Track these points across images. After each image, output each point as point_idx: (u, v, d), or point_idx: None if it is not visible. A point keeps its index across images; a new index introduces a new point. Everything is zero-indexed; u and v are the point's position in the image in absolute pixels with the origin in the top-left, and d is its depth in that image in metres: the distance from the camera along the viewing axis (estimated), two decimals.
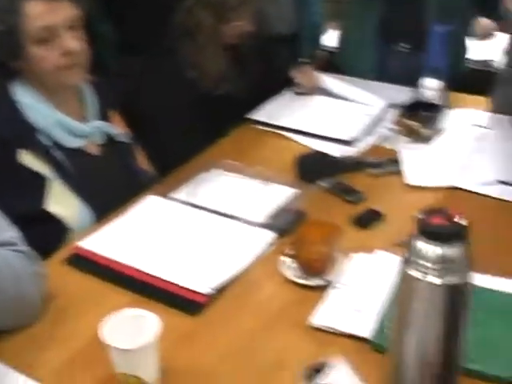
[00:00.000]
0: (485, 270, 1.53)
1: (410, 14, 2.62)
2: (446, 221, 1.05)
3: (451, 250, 1.04)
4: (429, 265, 1.05)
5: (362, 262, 1.60)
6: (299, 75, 2.54)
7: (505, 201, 1.88)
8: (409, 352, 1.15)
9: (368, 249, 1.64)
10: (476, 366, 1.28)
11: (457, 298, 1.08)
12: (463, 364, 1.21)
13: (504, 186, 1.94)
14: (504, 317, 1.41)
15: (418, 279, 1.07)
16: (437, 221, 1.05)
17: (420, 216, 1.07)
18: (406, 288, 1.11)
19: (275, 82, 2.55)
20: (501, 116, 2.37)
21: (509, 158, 2.08)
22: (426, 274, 1.06)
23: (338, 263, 1.57)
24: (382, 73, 2.68)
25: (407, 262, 1.08)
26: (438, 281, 1.05)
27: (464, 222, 1.06)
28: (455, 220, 1.05)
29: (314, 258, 1.54)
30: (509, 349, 1.33)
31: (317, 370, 1.16)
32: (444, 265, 1.04)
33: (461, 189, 1.93)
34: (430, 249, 1.05)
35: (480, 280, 1.48)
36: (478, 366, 1.28)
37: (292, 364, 1.30)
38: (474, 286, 1.38)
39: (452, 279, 1.05)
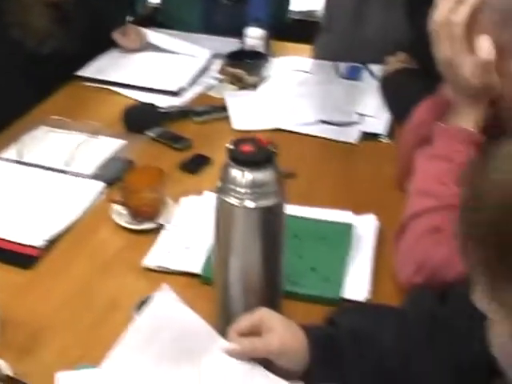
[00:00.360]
0: (307, 202, 1.62)
1: None
2: (255, 148, 1.11)
3: (262, 175, 1.10)
4: (242, 190, 1.11)
5: (192, 204, 1.65)
6: (122, 37, 2.50)
7: (325, 138, 1.98)
8: (233, 279, 1.21)
9: (197, 192, 1.69)
10: (299, 289, 1.37)
11: (272, 221, 1.15)
12: (287, 287, 1.29)
13: (324, 125, 2.04)
14: (322, 242, 1.51)
15: (234, 205, 1.12)
16: (246, 148, 1.11)
17: (230, 145, 1.13)
18: (224, 216, 1.16)
19: (101, 39, 2.53)
20: (322, 62, 2.48)
21: (329, 99, 2.19)
22: (240, 199, 1.11)
23: (168, 207, 1.61)
24: (208, 25, 2.72)
25: (223, 191, 1.13)
26: (252, 204, 1.11)
27: (272, 149, 1.12)
28: (263, 147, 1.12)
29: (142, 204, 1.57)
30: (328, 271, 1.43)
31: (145, 302, 1.20)
32: (256, 189, 1.11)
33: (285, 130, 2.01)
34: (242, 175, 1.10)
35: (302, 211, 1.58)
36: (301, 289, 1.37)
37: (127, 304, 1.33)
38: (297, 216, 1.47)
39: (265, 202, 1.12)
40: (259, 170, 1.10)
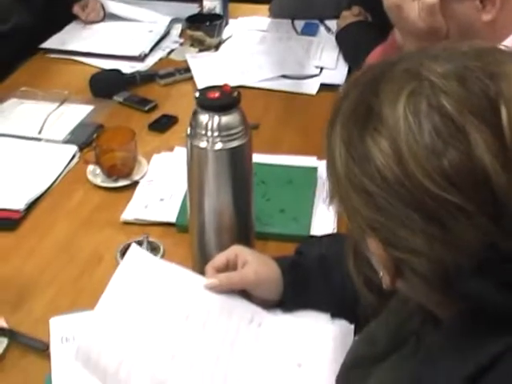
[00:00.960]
0: (273, 151, 1.70)
1: None
2: (221, 94, 1.19)
3: (228, 118, 1.18)
4: (211, 134, 1.19)
5: (163, 160, 1.72)
6: (82, 11, 2.54)
7: (287, 92, 2.07)
8: (207, 220, 1.29)
9: (168, 149, 1.77)
10: (270, 229, 1.45)
11: (240, 161, 1.23)
12: (258, 229, 1.37)
13: (285, 80, 2.12)
14: (289, 186, 1.60)
15: (204, 148, 1.20)
16: (213, 95, 1.19)
17: (197, 93, 1.20)
18: (196, 160, 1.24)
19: (62, 12, 2.56)
20: (279, 20, 2.54)
21: (288, 55, 2.26)
22: (210, 142, 1.19)
23: (141, 164, 1.69)
24: None
25: (193, 136, 1.21)
26: (221, 146, 1.19)
27: (235, 94, 1.20)
28: (228, 92, 1.19)
29: (115, 163, 1.64)
30: (296, 211, 1.52)
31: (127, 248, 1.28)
32: (224, 132, 1.19)
33: (248, 87, 2.08)
34: (210, 119, 1.18)
35: (268, 158, 1.66)
36: (271, 229, 1.46)
37: (109, 256, 1.42)
38: (264, 163, 1.55)
39: (233, 143, 1.20)
40: (225, 113, 1.18)
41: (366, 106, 0.74)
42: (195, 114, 1.20)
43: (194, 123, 1.20)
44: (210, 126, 1.18)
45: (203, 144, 1.20)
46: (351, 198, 0.75)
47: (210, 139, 1.19)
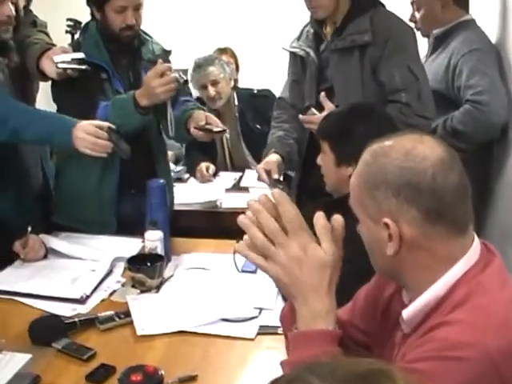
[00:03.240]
0: None
1: None
2: (143, 377, 1.20)
3: None
4: None
5: None
6: (22, 249, 2.56)
7: (230, 337, 2.09)
8: None
9: None
10: None
11: None
12: None
13: (225, 323, 2.14)
14: None
15: None
16: (135, 378, 1.20)
17: (120, 375, 1.21)
18: None
19: (5, 251, 2.57)
20: (221, 255, 2.61)
21: (228, 296, 2.30)
22: None
23: None
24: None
25: None
26: None
27: (159, 374, 1.21)
28: (151, 374, 1.21)
29: None
30: None
31: None
32: None
33: (187, 332, 2.09)
34: None
35: None
36: None
37: None
38: None
39: None
40: None
41: None
42: None
43: None
44: None
45: None
46: None
47: None
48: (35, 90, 3.09)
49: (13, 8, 2.66)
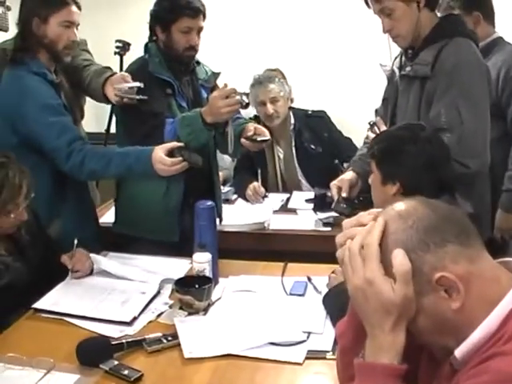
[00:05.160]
0: None
1: None
2: None
3: None
4: None
5: None
6: (69, 260, 2.60)
7: (278, 361, 2.06)
8: None
9: None
10: None
11: None
12: None
13: (273, 346, 2.12)
14: None
15: None
16: None
17: None
18: None
19: (55, 267, 2.61)
20: (269, 277, 2.60)
21: (276, 319, 2.28)
22: None
23: None
24: None
25: None
26: None
27: None
28: None
29: None
30: None
31: None
32: None
33: (235, 355, 2.07)
34: None
35: None
36: None
37: None
38: None
39: None
40: None
41: None
42: None
43: None
44: None
45: None
46: None
47: None
48: (83, 102, 3.37)
49: (77, 33, 2.77)
